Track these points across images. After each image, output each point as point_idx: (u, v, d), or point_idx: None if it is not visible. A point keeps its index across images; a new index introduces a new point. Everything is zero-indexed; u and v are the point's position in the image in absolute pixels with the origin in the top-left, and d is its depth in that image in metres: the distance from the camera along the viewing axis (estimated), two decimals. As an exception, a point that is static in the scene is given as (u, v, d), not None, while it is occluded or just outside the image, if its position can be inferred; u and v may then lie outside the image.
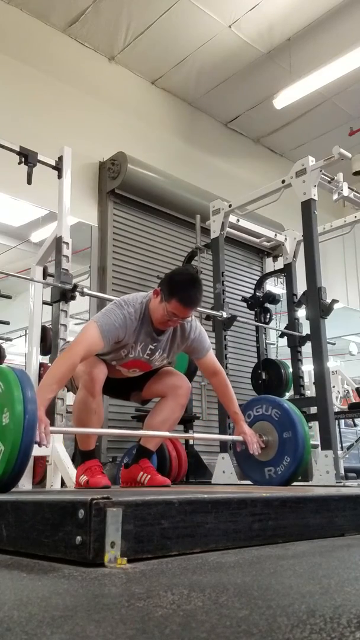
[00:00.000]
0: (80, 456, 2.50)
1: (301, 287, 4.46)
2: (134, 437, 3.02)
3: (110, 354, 2.39)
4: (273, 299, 5.52)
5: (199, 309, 4.33)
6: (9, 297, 4.35)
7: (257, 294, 5.65)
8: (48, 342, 3.52)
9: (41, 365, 3.57)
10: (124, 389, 2.67)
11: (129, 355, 2.39)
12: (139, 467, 2.53)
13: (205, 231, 4.79)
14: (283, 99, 6.06)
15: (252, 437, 2.57)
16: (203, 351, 2.53)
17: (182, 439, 2.86)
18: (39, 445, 1.93)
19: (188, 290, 2.30)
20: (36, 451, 3.23)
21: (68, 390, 2.90)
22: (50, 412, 3.16)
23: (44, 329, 3.59)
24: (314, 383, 3.85)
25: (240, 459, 2.85)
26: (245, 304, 5.68)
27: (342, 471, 4.57)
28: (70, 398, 3.83)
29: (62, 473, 3.01)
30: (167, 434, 2.47)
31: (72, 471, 2.95)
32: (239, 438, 2.61)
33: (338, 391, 6.26)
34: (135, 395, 2.70)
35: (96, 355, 2.36)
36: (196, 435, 3.10)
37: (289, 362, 5.00)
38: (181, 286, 2.30)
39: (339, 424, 5.59)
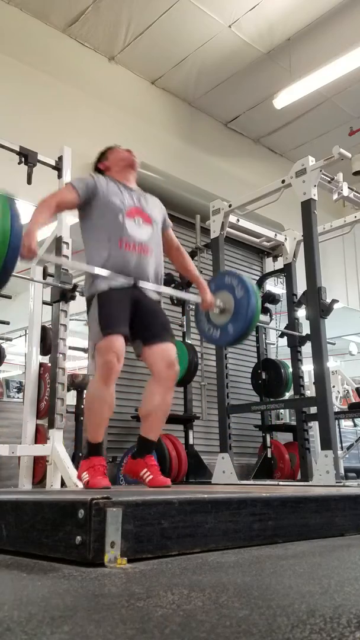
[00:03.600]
0: (87, 448, 2.48)
1: (301, 287, 4.46)
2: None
3: (112, 205, 2.62)
4: (273, 299, 5.51)
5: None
6: (9, 297, 4.34)
7: (257, 293, 5.63)
8: (48, 342, 3.52)
9: (41, 365, 3.56)
10: (138, 325, 2.61)
11: (125, 203, 2.65)
12: (144, 464, 2.52)
13: (205, 231, 4.79)
14: (283, 99, 6.06)
15: (206, 299, 2.90)
16: (168, 221, 2.88)
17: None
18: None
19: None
20: (36, 451, 3.24)
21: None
22: (50, 412, 3.17)
23: (44, 329, 3.58)
24: (314, 383, 3.84)
25: (200, 318, 3.18)
26: (245, 304, 5.66)
27: (342, 471, 4.57)
28: (70, 398, 3.82)
29: (62, 473, 3.00)
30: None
31: (72, 471, 2.95)
32: (198, 299, 2.94)
33: (338, 391, 6.27)
34: (137, 347, 2.67)
35: (112, 213, 2.63)
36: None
37: (289, 362, 4.99)
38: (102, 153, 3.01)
39: (339, 424, 5.59)
